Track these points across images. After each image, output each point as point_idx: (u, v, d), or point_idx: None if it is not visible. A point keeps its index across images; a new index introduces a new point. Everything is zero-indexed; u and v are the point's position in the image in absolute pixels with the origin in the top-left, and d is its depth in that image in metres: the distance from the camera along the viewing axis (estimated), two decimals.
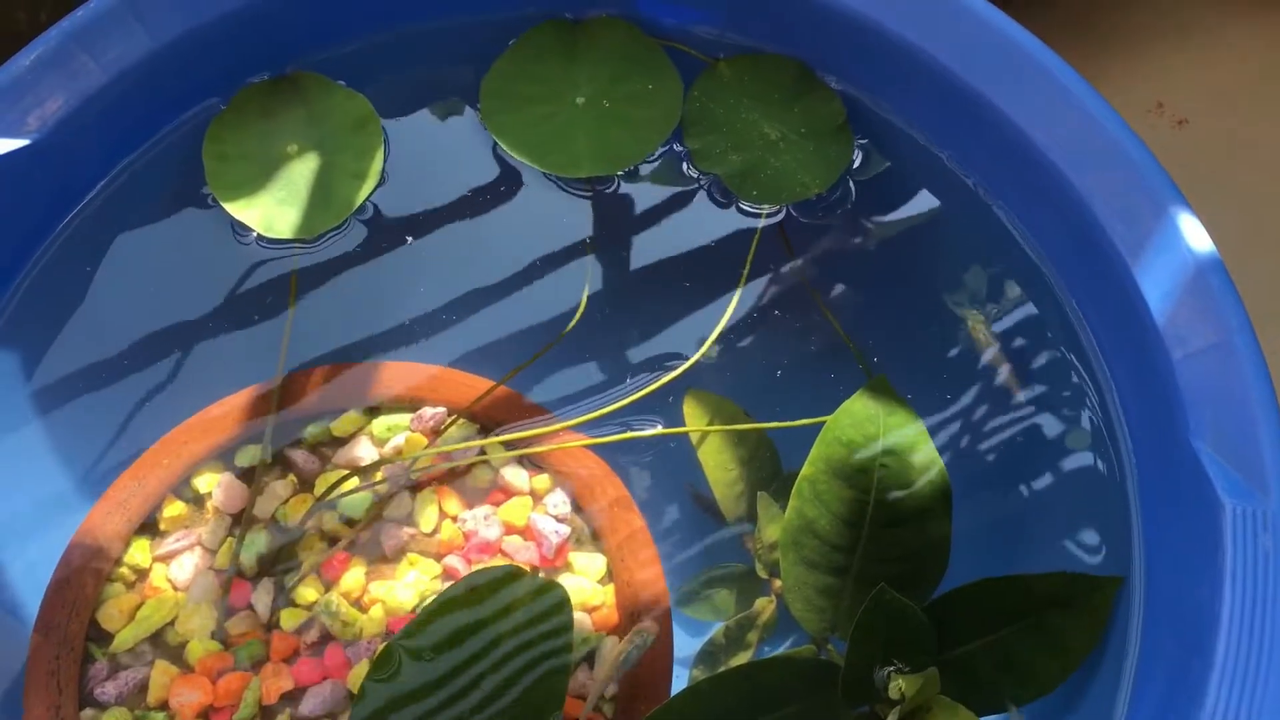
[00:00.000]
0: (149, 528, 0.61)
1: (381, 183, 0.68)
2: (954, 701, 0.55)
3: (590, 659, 0.59)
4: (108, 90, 0.64)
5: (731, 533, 0.61)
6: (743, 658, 0.59)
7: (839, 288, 0.66)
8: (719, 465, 0.62)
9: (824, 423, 0.58)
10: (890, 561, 0.56)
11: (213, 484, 0.62)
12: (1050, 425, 0.63)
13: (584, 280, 0.66)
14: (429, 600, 0.59)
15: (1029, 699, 0.56)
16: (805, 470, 0.56)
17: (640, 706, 0.57)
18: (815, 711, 0.56)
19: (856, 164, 0.68)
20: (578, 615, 0.59)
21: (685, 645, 0.59)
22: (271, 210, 0.66)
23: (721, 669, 0.59)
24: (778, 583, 0.59)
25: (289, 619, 0.59)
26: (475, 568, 0.60)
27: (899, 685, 0.54)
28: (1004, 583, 0.57)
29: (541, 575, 0.59)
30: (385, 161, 0.68)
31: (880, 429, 0.57)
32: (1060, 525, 0.61)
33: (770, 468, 0.62)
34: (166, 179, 0.68)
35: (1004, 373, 0.64)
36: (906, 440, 0.57)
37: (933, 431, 0.58)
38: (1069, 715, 0.58)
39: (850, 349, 0.64)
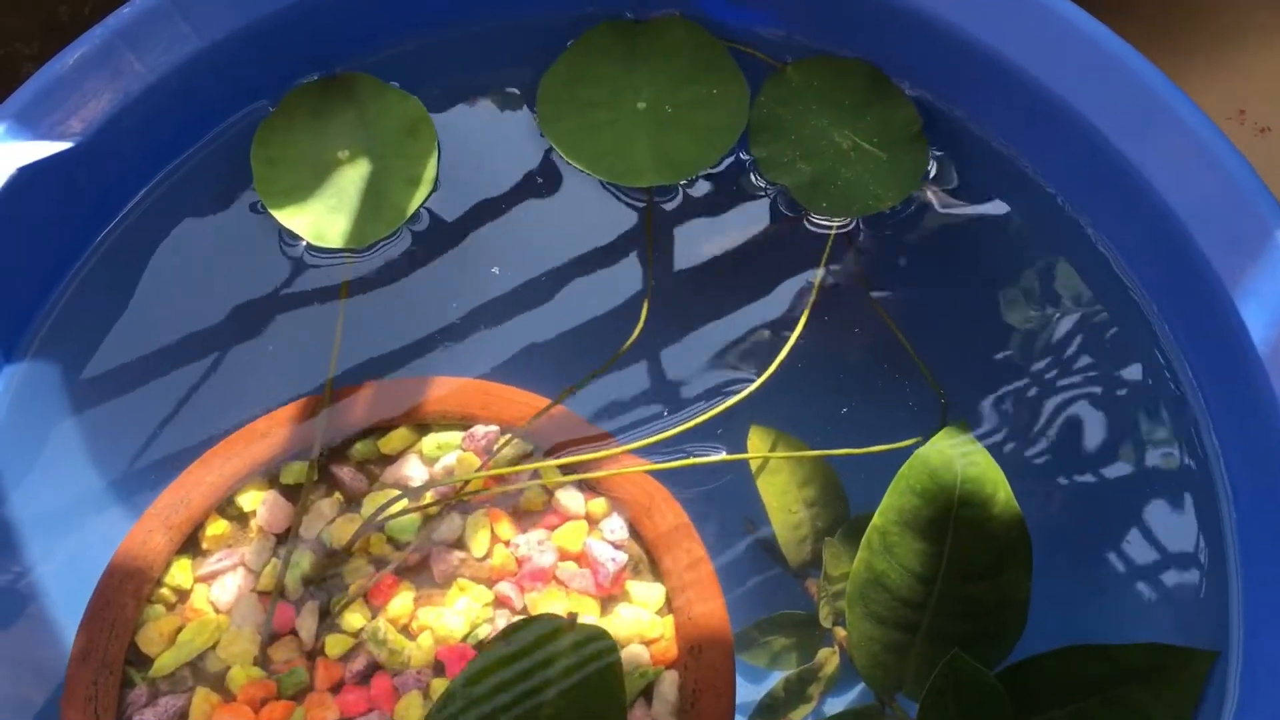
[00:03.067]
0: (191, 546, 0.59)
1: (435, 189, 0.66)
2: None
3: (649, 694, 0.56)
4: (153, 91, 0.63)
5: (794, 578, 0.58)
6: (803, 711, 0.56)
7: (912, 308, 0.63)
8: (783, 507, 0.59)
9: (895, 450, 0.55)
10: (964, 619, 0.53)
11: (257, 502, 0.60)
12: (1140, 472, 0.60)
13: (643, 294, 0.63)
14: (480, 629, 0.57)
15: None
16: (876, 520, 0.54)
17: None
18: None
19: (931, 174, 0.65)
20: (635, 649, 0.57)
21: (741, 692, 0.56)
22: (322, 218, 0.64)
23: None
24: (842, 633, 0.57)
25: (334, 646, 0.57)
26: (529, 596, 0.58)
27: None
28: (1086, 651, 0.54)
29: (590, 618, 0.56)
30: (439, 167, 0.66)
31: (957, 478, 0.54)
32: (1150, 588, 0.58)
33: (838, 512, 0.59)
34: (213, 184, 0.66)
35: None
36: (984, 490, 0.54)
37: (1010, 473, 0.54)
38: None
39: (925, 376, 0.61)
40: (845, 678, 0.56)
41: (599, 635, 0.52)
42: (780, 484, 0.60)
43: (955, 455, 0.55)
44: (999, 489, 0.54)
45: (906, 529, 0.53)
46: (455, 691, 0.51)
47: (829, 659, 0.57)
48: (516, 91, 0.68)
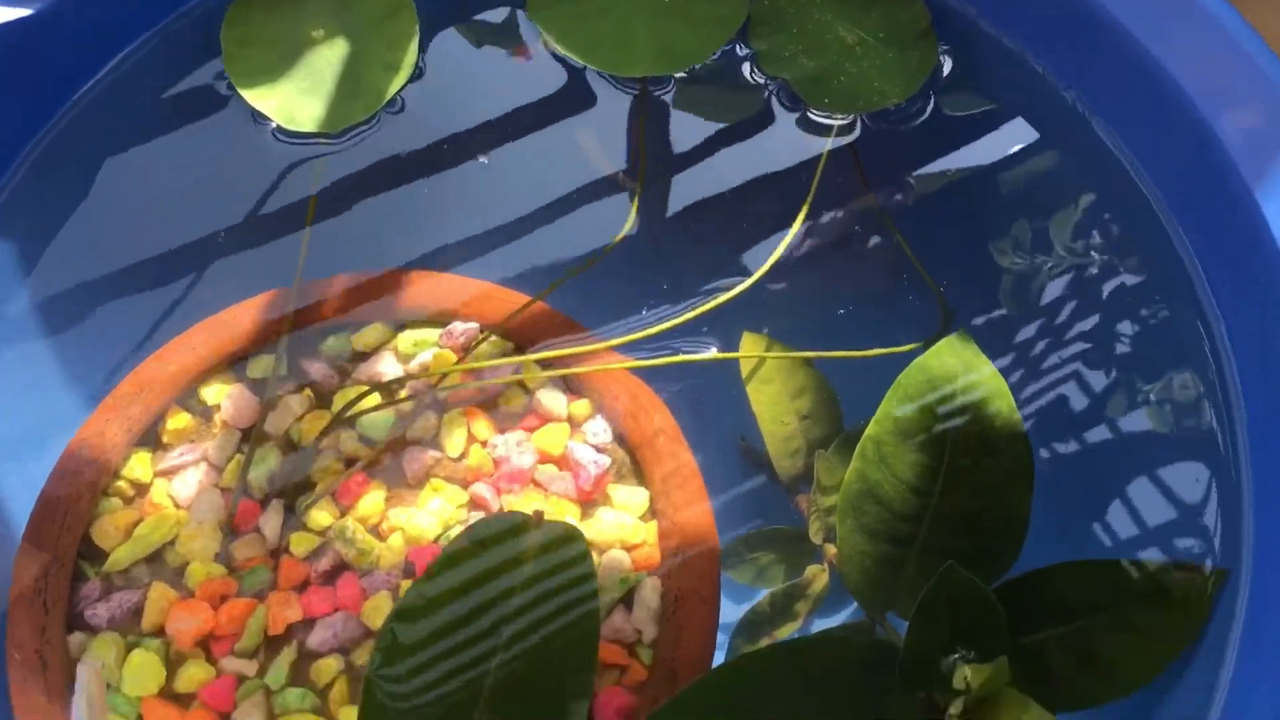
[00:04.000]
0: (151, 440, 0.57)
1: (416, 77, 0.63)
2: (1024, 695, 0.49)
3: (629, 601, 0.53)
4: None
5: (783, 491, 0.56)
6: (789, 630, 0.54)
7: (914, 213, 0.61)
8: (775, 418, 0.57)
9: (893, 356, 0.53)
10: (960, 535, 0.51)
11: (222, 396, 0.57)
12: (1151, 389, 0.57)
13: (634, 189, 0.61)
14: (453, 530, 0.54)
15: (1107, 699, 0.51)
16: (871, 429, 0.51)
17: (680, 662, 0.52)
18: (868, 696, 0.51)
19: (941, 73, 0.63)
20: (616, 554, 0.54)
21: (723, 612, 0.54)
22: (292, 100, 0.61)
23: (765, 641, 0.55)
24: (832, 550, 0.55)
25: (300, 544, 0.54)
26: (505, 498, 0.55)
27: (965, 675, 0.48)
28: (1089, 567, 0.52)
29: (571, 521, 0.54)
30: (421, 54, 0.63)
31: (958, 388, 0.52)
32: (1157, 506, 0.56)
33: (831, 425, 0.57)
34: (181, 63, 0.64)
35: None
36: (987, 402, 0.52)
37: (1014, 389, 0.52)
38: (1155, 712, 0.52)
39: (926, 282, 0.59)
40: (834, 597, 0.54)
41: (570, 534, 0.50)
42: (772, 394, 0.57)
43: (956, 365, 0.53)
44: (1001, 401, 0.52)
45: (903, 439, 0.51)
46: (415, 593, 0.49)
47: (818, 576, 0.55)
48: None
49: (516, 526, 0.50)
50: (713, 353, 0.57)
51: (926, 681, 0.50)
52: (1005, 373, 0.53)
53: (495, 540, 0.50)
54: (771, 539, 0.56)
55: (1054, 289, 0.59)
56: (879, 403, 0.51)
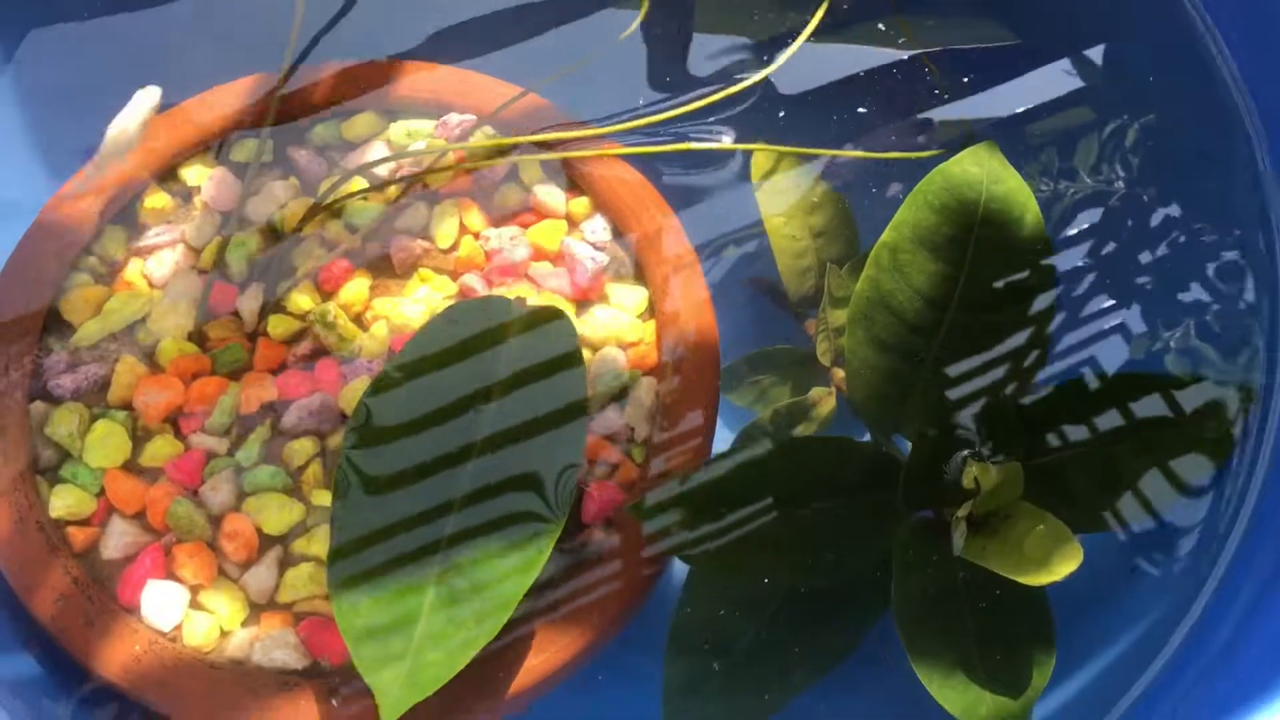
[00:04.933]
0: (127, 218, 0.54)
1: None
2: (1039, 509, 0.46)
3: (623, 398, 0.51)
4: None
5: (791, 314, 0.54)
6: None
7: (948, 11, 0.58)
8: (787, 234, 0.54)
9: (915, 166, 0.51)
10: (976, 352, 0.49)
11: (203, 177, 0.55)
12: (1187, 207, 0.55)
13: None
14: None
15: (1126, 522, 0.49)
16: (886, 235, 0.48)
17: (674, 462, 0.49)
18: (868, 508, 0.49)
19: None
20: (611, 352, 0.52)
21: (720, 434, 0.51)
22: None
23: None
24: (840, 374, 0.52)
25: (278, 326, 0.51)
26: (496, 291, 0.52)
27: (973, 473, 0.45)
28: (1114, 383, 0.50)
29: (571, 315, 0.52)
30: None
31: (981, 196, 0.48)
32: (1188, 330, 0.53)
33: (846, 243, 0.54)
34: None
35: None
36: (1011, 211, 0.48)
37: (1045, 209, 0.49)
38: (1174, 539, 0.50)
39: (938, 88, 0.55)
40: (840, 425, 0.52)
41: (554, 313, 0.47)
42: (785, 207, 0.55)
43: (980, 173, 0.49)
44: (1027, 211, 0.48)
45: (920, 247, 0.48)
46: (392, 367, 0.46)
47: (823, 398, 0.52)
48: None
49: (499, 307, 0.47)
50: (723, 141, 0.54)
51: (931, 497, 0.48)
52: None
53: (476, 316, 0.47)
54: (775, 359, 0.54)
55: (1097, 111, 0.56)
56: None
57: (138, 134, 0.49)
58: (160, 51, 0.57)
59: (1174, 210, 0.55)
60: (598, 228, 0.54)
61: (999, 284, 0.48)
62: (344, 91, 0.56)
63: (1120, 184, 0.56)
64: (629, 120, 0.54)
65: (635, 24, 0.56)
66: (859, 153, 0.54)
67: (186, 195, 0.55)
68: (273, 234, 0.54)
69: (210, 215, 0.54)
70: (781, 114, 0.55)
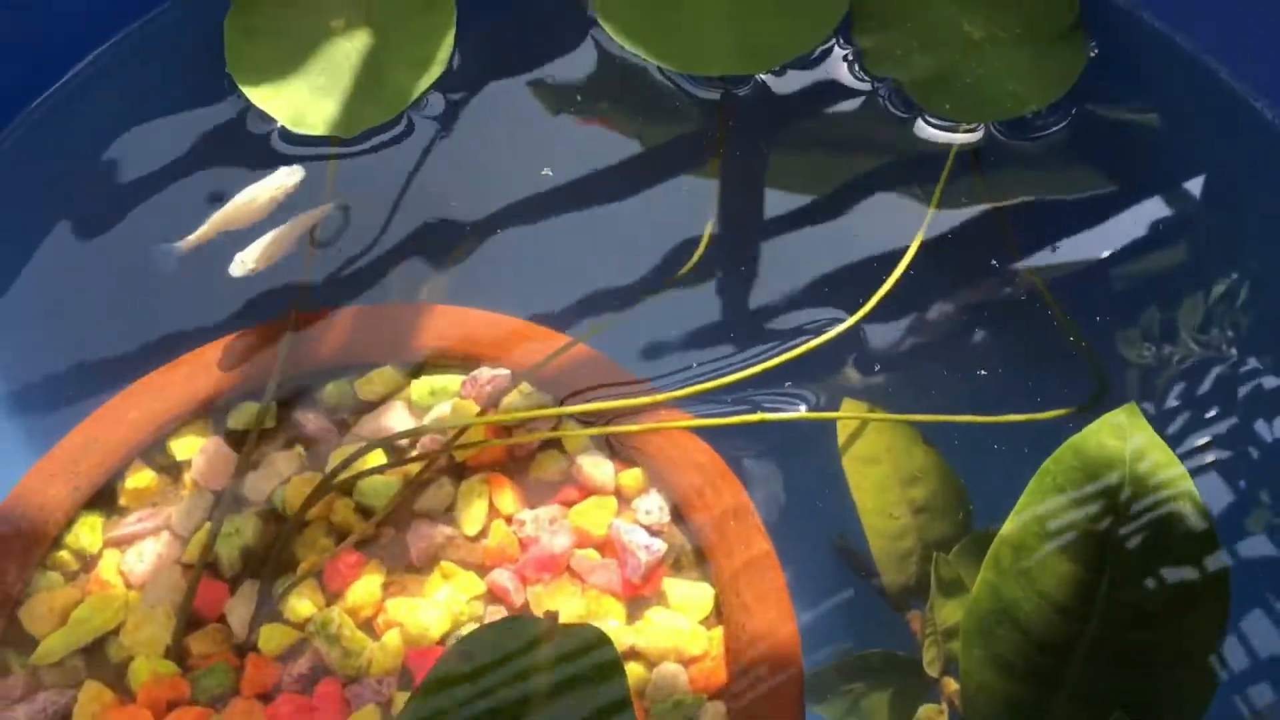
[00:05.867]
0: (105, 501, 0.49)
1: (447, 72, 0.57)
2: None
3: None
4: None
5: (889, 604, 0.48)
6: None
7: (1055, 246, 0.53)
8: (881, 509, 0.49)
9: (1037, 428, 0.46)
10: (1127, 676, 0.43)
11: (194, 449, 0.50)
12: None
13: (707, 212, 0.54)
14: (465, 626, 0.46)
15: None
16: (1007, 529, 0.43)
17: None
18: None
19: (1090, 75, 0.55)
20: (670, 668, 0.44)
21: None
22: (303, 99, 0.56)
23: None
24: (953, 685, 0.46)
25: (272, 639, 0.45)
26: (532, 590, 0.45)
27: None
28: None
29: (614, 623, 0.45)
30: (456, 47, 0.57)
31: (1124, 479, 0.43)
32: None
33: (955, 522, 0.49)
34: (178, 55, 0.58)
35: None
36: (1163, 497, 0.43)
37: (1197, 481, 0.43)
38: None
39: (1074, 337, 0.50)
40: None
41: (596, 643, 0.40)
42: (879, 477, 0.49)
43: (1122, 448, 0.44)
44: (1184, 498, 0.43)
45: (1050, 543, 0.43)
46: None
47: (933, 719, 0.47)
48: None
49: (523, 631, 0.40)
50: (801, 412, 0.49)
51: None
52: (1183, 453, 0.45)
53: (497, 645, 0.40)
54: (872, 667, 0.48)
55: (1230, 355, 0.49)
56: (1016, 496, 0.43)
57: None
58: (149, 297, 0.53)
59: None
60: (653, 507, 0.48)
61: (1150, 586, 0.42)
62: (359, 342, 0.52)
63: (1231, 349, 0.51)
64: (689, 384, 0.49)
65: (695, 258, 0.51)
66: (965, 417, 0.47)
67: (175, 472, 0.50)
68: (273, 517, 0.49)
69: (200, 496, 0.49)
70: (877, 369, 0.49)
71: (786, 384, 0.49)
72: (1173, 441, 0.49)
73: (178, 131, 0.56)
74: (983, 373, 0.50)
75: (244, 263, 0.48)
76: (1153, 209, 0.54)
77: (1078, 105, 0.55)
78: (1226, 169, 0.54)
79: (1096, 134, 0.54)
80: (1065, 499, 0.43)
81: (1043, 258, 0.52)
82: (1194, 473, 0.48)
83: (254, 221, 0.51)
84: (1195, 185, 0.54)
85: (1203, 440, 0.50)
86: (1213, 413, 0.50)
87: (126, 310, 0.52)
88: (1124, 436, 0.44)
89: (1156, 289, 0.52)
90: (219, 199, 0.54)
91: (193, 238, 0.49)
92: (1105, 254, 0.53)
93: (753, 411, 0.48)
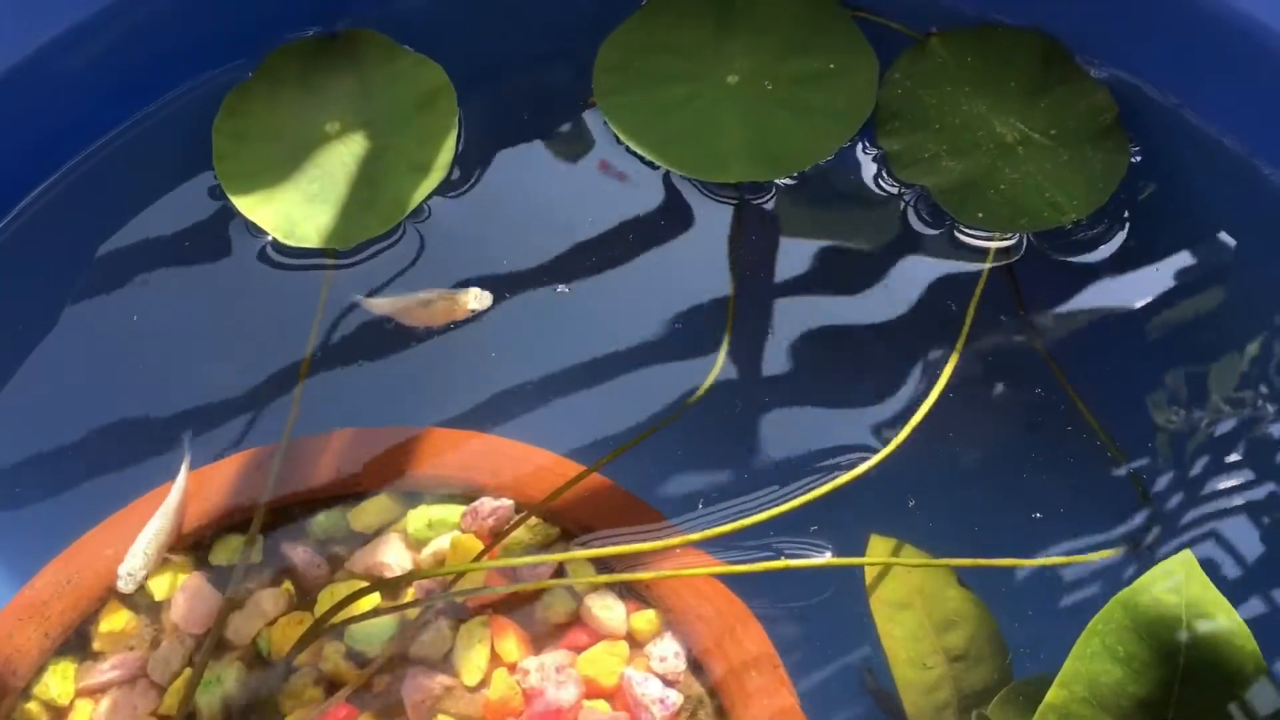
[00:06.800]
0: (78, 645, 0.47)
1: (448, 179, 0.55)
2: None
3: None
4: (99, 33, 0.53)
5: None
6: None
7: (1101, 366, 0.51)
8: (914, 659, 0.46)
9: (1083, 571, 0.44)
10: None
11: (173, 587, 0.48)
12: None
13: (721, 330, 0.52)
14: None
15: None
16: (1054, 695, 0.40)
17: None
18: None
19: (1133, 182, 0.53)
20: None
21: None
22: (295, 209, 0.54)
23: None
24: None
25: None
26: None
27: None
28: None
29: None
30: (457, 152, 0.55)
31: (1182, 639, 0.41)
32: None
33: (994, 671, 0.46)
34: (164, 160, 0.56)
35: None
36: (1226, 661, 0.40)
37: (1256, 630, 0.40)
38: None
39: (1123, 466, 0.48)
40: None
41: None
42: (911, 625, 0.46)
43: (1178, 603, 0.41)
44: (1248, 661, 0.40)
45: (1102, 712, 0.40)
46: None
47: None
48: (568, 60, 0.59)
49: None
50: (827, 558, 0.46)
51: None
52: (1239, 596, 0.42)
53: None
54: None
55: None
56: (1059, 640, 0.41)
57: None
58: (126, 425, 0.51)
59: None
60: (668, 653, 0.46)
61: None
62: (352, 470, 0.50)
63: (1270, 408, 0.49)
64: (705, 527, 0.46)
65: (710, 380, 0.49)
66: (1004, 561, 0.45)
67: (153, 612, 0.48)
68: (258, 662, 0.46)
69: (180, 639, 0.47)
70: (899, 498, 0.47)
71: (812, 527, 0.46)
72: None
73: (165, 242, 0.54)
74: (1024, 506, 0.47)
75: (132, 576, 0.45)
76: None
77: (1120, 214, 0.52)
78: (1265, 273, 0.51)
79: (1141, 243, 0.52)
80: (1115, 662, 0.41)
81: (1087, 378, 0.49)
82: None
83: (417, 323, 0.50)
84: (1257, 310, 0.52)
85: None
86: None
87: (102, 442, 0.50)
88: (1180, 591, 0.41)
89: (1197, 399, 0.49)
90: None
91: (370, 304, 0.50)
92: (1152, 373, 0.51)
93: (774, 558, 0.45)
